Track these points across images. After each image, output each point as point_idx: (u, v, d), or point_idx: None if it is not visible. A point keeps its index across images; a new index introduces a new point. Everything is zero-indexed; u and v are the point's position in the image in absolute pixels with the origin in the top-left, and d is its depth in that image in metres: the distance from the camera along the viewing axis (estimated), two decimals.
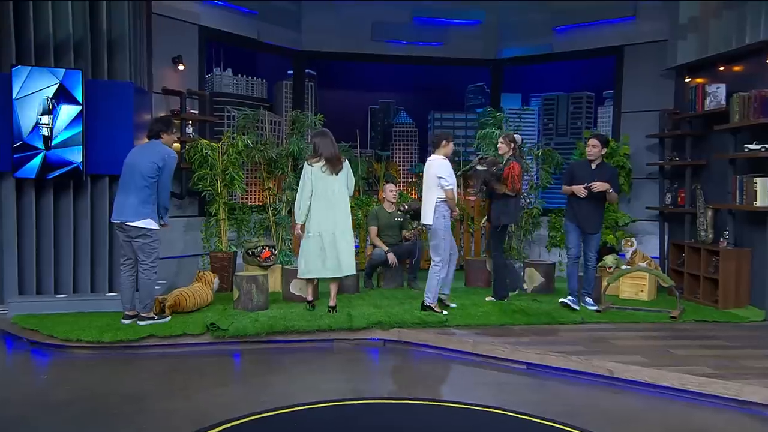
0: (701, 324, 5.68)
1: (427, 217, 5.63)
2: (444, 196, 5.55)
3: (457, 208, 5.80)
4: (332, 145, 5.64)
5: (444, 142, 5.73)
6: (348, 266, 5.64)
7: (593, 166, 5.89)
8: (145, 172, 5.12)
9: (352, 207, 8.20)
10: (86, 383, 4.24)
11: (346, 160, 5.78)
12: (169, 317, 5.37)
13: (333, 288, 5.74)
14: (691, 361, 4.43)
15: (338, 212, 5.60)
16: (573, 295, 5.96)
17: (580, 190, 5.80)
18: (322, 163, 5.56)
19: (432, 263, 5.69)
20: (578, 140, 8.48)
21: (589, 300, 6.08)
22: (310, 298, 5.81)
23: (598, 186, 5.73)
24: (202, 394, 4.03)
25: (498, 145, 6.32)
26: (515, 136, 7.79)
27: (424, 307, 5.67)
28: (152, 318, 5.28)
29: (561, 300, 6.00)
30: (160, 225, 5.30)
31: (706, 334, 5.27)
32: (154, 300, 5.37)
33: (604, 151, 5.89)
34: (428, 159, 5.77)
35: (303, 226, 5.65)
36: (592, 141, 5.89)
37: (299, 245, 5.83)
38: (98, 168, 6.09)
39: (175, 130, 5.56)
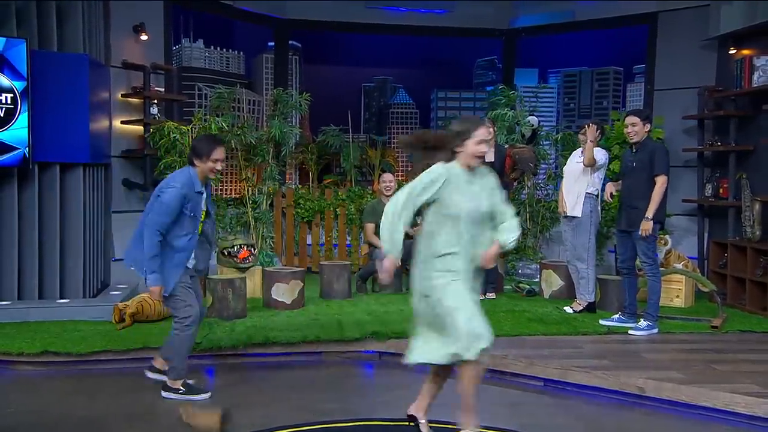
0: (747, 335, 5.66)
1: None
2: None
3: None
4: None
5: None
6: None
7: (634, 149, 5.65)
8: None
9: (343, 200, 8.27)
10: (32, 406, 4.18)
11: None
12: (207, 395, 4.37)
13: None
14: (736, 377, 4.41)
15: None
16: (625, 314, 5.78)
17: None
18: None
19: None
20: (604, 123, 8.43)
21: (642, 323, 5.61)
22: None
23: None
24: (167, 417, 3.98)
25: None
26: (530, 118, 7.78)
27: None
28: (177, 390, 4.29)
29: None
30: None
31: (753, 347, 5.26)
32: (185, 366, 4.33)
33: (648, 127, 5.57)
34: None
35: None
36: (630, 119, 5.60)
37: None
38: (47, 155, 6.01)
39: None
